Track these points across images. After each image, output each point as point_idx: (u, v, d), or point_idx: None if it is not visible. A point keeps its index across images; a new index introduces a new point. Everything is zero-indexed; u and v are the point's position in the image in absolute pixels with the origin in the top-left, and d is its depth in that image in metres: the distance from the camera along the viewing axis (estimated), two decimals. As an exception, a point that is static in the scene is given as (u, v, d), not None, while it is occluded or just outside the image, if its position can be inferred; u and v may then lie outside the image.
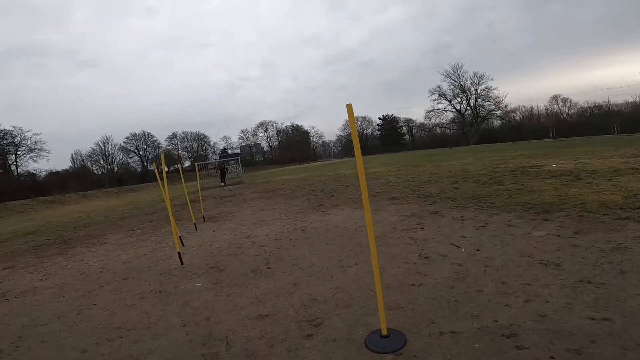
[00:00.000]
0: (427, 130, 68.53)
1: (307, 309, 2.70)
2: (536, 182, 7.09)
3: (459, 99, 63.99)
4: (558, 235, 3.62)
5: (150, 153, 60.57)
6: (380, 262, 3.57)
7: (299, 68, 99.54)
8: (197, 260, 4.63)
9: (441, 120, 65.70)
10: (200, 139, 63.19)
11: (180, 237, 5.57)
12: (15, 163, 48.03)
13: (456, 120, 64.96)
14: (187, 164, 57.66)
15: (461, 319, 2.22)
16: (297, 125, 71.43)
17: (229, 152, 57.57)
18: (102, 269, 4.90)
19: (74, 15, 78.82)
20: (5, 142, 46.47)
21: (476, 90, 60.75)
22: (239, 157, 26.55)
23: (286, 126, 70.64)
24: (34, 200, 32.14)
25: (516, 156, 14.47)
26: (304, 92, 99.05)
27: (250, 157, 63.49)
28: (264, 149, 69.44)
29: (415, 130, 71.42)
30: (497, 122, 60.40)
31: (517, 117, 57.22)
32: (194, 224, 7.16)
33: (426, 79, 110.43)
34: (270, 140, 70.55)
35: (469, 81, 60.96)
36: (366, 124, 72.15)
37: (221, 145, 64.86)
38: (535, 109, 55.53)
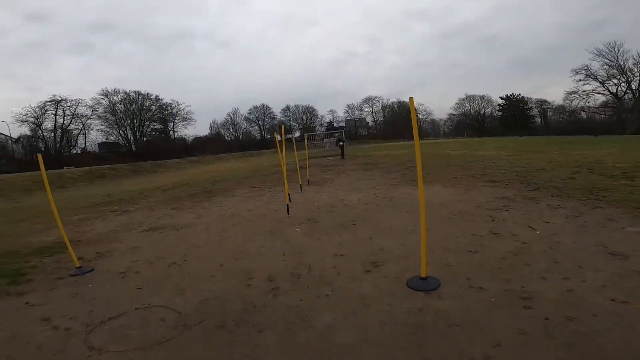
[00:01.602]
0: (567, 114, 56.85)
1: (373, 255, 3.43)
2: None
3: (615, 81, 50.74)
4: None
5: (267, 123, 68.29)
6: (451, 232, 3.98)
7: (407, 43, 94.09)
8: (299, 213, 5.81)
9: (587, 104, 53.49)
10: (309, 112, 67.51)
11: (289, 194, 6.88)
12: (172, 129, 60.97)
13: (609, 105, 52.06)
14: (297, 134, 62.72)
15: (494, 281, 2.60)
16: (403, 101, 68.79)
17: (335, 125, 60.01)
18: (233, 214, 6.58)
19: (210, 1, 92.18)
20: (166, 112, 59.23)
21: None
22: (342, 131, 27.79)
23: (392, 102, 68.79)
24: (185, 159, 40.63)
25: None
26: (413, 68, 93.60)
27: (354, 131, 64.70)
28: (369, 123, 69.56)
29: (550, 113, 60.24)
30: None
31: None
32: (300, 185, 8.53)
33: (567, 59, 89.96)
34: (375, 115, 70.11)
35: (631, 61, 47.53)
36: (484, 103, 64.38)
37: (328, 118, 67.95)
38: None
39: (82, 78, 72.00)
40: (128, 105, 54.21)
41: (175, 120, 61.07)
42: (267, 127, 67.77)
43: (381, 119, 69.75)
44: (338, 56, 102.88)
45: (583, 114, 54.28)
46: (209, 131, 67.93)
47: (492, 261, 2.99)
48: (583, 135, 36.70)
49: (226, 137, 67.60)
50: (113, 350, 2.20)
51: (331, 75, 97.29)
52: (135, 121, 55.26)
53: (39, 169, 3.99)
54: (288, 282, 3.06)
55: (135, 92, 55.12)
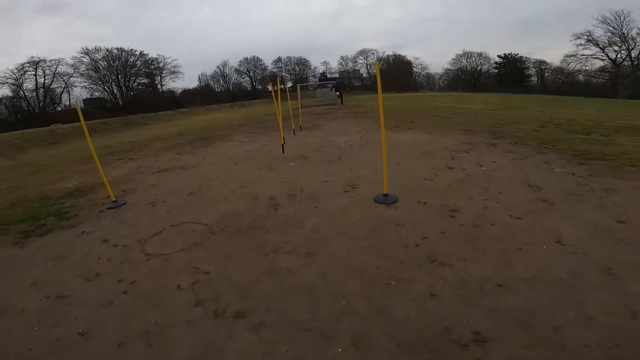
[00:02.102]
0: (565, 75, 57.35)
1: (351, 180, 4.40)
2: (625, 139, 6.72)
3: (615, 48, 51.58)
4: (572, 174, 4.25)
5: (258, 75, 66.80)
6: (415, 166, 4.92)
7: None
8: (293, 152, 6.67)
9: (584, 67, 54.35)
10: (302, 63, 65.83)
11: (283, 137, 7.66)
12: (160, 83, 59.25)
13: (606, 70, 53.19)
14: (289, 85, 61.59)
15: (435, 199, 3.59)
16: (399, 55, 67.20)
17: (328, 76, 58.74)
18: (234, 155, 7.39)
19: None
20: (153, 67, 57.19)
21: None
22: (335, 81, 27.69)
23: (387, 55, 67.15)
24: (175, 111, 40.07)
25: None
26: (414, 23, 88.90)
27: (348, 82, 63.59)
28: (363, 75, 68.21)
29: (548, 74, 60.49)
30: None
31: None
32: (293, 130, 9.29)
33: (573, 23, 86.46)
34: (370, 67, 68.49)
35: (635, 31, 48.05)
36: (482, 60, 63.92)
37: (321, 69, 66.36)
38: None
39: (59, 38, 67.35)
40: (111, 62, 52.23)
41: (163, 74, 59.47)
42: (258, 78, 66.28)
43: (375, 71, 68.29)
44: (335, 8, 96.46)
45: (581, 77, 54.92)
46: (198, 83, 66.18)
47: (439, 186, 3.96)
48: (575, 97, 37.24)
49: (216, 89, 66.07)
50: (165, 253, 3.11)
51: (326, 28, 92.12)
52: (120, 77, 53.58)
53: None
54: (285, 200, 4.02)
55: (118, 48, 52.88)
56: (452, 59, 64.44)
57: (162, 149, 10.33)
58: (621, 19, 48.12)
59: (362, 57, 66.84)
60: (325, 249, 2.81)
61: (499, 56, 61.96)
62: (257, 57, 65.27)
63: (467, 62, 65.01)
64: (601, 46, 50.72)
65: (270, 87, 65.20)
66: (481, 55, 63.49)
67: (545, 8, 75.87)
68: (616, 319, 1.78)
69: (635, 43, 48.55)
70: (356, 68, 68.42)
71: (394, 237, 2.90)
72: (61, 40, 67.72)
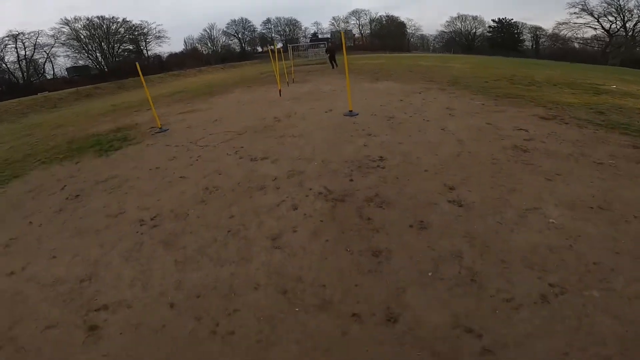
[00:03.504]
0: (558, 42, 58.02)
1: (329, 108, 6.35)
2: (551, 89, 8.53)
3: (610, 18, 51.96)
4: (483, 104, 6.18)
5: (247, 36, 65.77)
6: (378, 100, 6.79)
7: None
8: (287, 96, 8.50)
9: (576, 35, 55.00)
10: (292, 23, 64.62)
11: (280, 86, 9.36)
12: (145, 48, 58.04)
13: (598, 39, 53.88)
14: (279, 45, 60.90)
15: (382, 113, 5.55)
16: (392, 16, 66.09)
17: (319, 36, 58.18)
18: (239, 100, 9.11)
19: None
20: (137, 33, 55.79)
21: None
22: (327, 42, 28.42)
23: (380, 16, 66.04)
24: (166, 74, 40.13)
25: (603, 76, 14.09)
26: None
27: (339, 42, 62.87)
28: (355, 36, 67.26)
29: (543, 40, 60.94)
30: None
31: None
32: (287, 82, 10.95)
33: None
34: (362, 28, 67.49)
35: (633, 3, 48.34)
36: (476, 23, 63.72)
37: (312, 30, 65.23)
38: None
39: (27, 11, 63.04)
40: (92, 30, 50.78)
41: (148, 40, 58.12)
42: (247, 39, 65.18)
43: (368, 32, 67.46)
44: None
45: (576, 45, 55.64)
46: (184, 47, 64.78)
47: (388, 108, 5.92)
48: (562, 62, 38.34)
49: (204, 52, 64.86)
50: (211, 145, 4.99)
51: None
52: (103, 44, 52.31)
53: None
54: (284, 118, 5.97)
55: (98, 17, 51.08)
56: (447, 21, 63.81)
57: (170, 102, 11.83)
58: None
59: (354, 18, 65.63)
60: (310, 134, 4.82)
61: (493, 20, 61.62)
62: (246, 19, 63.68)
63: (461, 24, 64.44)
64: (595, 16, 51.22)
65: (260, 49, 64.57)
66: (476, 19, 62.96)
67: None
68: (448, 157, 3.78)
69: (632, 14, 49.11)
70: (348, 28, 67.21)
71: (351, 127, 4.90)
72: (31, 14, 63.90)
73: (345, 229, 2.55)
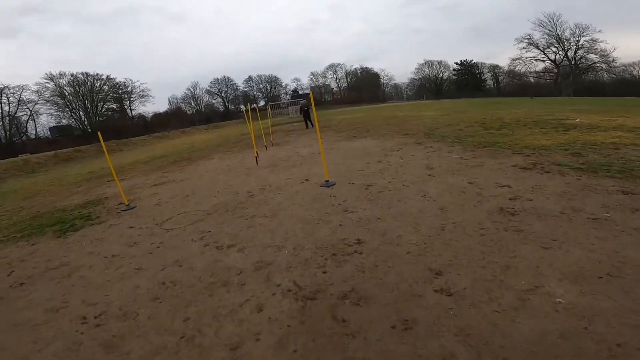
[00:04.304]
0: (516, 78, 63.24)
1: (307, 176, 6.09)
2: (525, 131, 8.76)
3: (553, 49, 57.57)
4: (461, 157, 6.12)
5: (230, 94, 68.53)
6: (356, 163, 6.64)
7: (370, 11, 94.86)
8: (265, 162, 8.29)
9: (528, 69, 60.29)
10: (273, 80, 68.05)
11: (257, 151, 9.24)
12: (129, 107, 59.48)
13: (548, 70, 59.06)
14: (261, 103, 63.34)
15: (361, 181, 5.34)
16: (366, 67, 71.14)
17: (300, 92, 61.21)
18: (216, 169, 8.89)
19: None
20: (121, 91, 57.49)
21: (577, 41, 54.29)
22: (308, 96, 29.61)
23: (355, 68, 70.83)
24: (150, 136, 40.68)
25: (563, 109, 14.88)
26: (376, 35, 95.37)
27: (319, 97, 66.06)
28: (333, 89, 71.14)
29: (502, 77, 66.20)
30: (607, 76, 53.69)
31: (635, 72, 49.69)
32: (265, 146, 10.90)
33: (520, 27, 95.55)
34: (339, 81, 71.78)
35: (568, 32, 54.12)
36: (442, 68, 68.94)
37: (292, 86, 68.81)
38: None
39: (18, 63, 66.04)
40: (77, 87, 52.15)
41: (132, 98, 59.70)
42: (230, 98, 67.92)
43: (345, 84, 71.65)
44: (301, 24, 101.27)
45: (531, 79, 60.38)
46: (169, 106, 66.89)
47: (367, 173, 5.73)
48: (522, 97, 41.20)
49: (188, 111, 66.91)
50: (178, 227, 4.60)
51: (295, 44, 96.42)
52: (87, 102, 53.38)
53: None
54: (258, 192, 5.64)
55: (83, 73, 52.74)
56: (415, 68, 68.79)
57: (148, 170, 11.59)
58: (554, 20, 53.43)
59: (331, 72, 69.87)
60: (283, 212, 4.46)
61: (456, 63, 66.71)
62: (228, 77, 66.86)
63: (429, 70, 69.44)
64: (541, 48, 56.19)
65: (243, 107, 67.09)
66: (441, 63, 68.10)
67: (491, 15, 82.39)
68: (431, 231, 3.48)
69: (570, 43, 54.09)
70: (326, 83, 71.16)
71: (327, 202, 4.58)
72: (20, 65, 66.27)
73: (316, 336, 2.11)
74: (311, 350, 2.01)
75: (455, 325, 2.05)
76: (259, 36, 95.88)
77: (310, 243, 3.42)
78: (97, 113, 55.46)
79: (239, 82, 68.31)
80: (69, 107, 52.34)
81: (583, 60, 54.89)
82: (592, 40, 52.77)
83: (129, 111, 59.66)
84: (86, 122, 54.11)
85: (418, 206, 4.04)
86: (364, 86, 66.74)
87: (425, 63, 68.64)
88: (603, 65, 52.92)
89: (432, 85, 68.62)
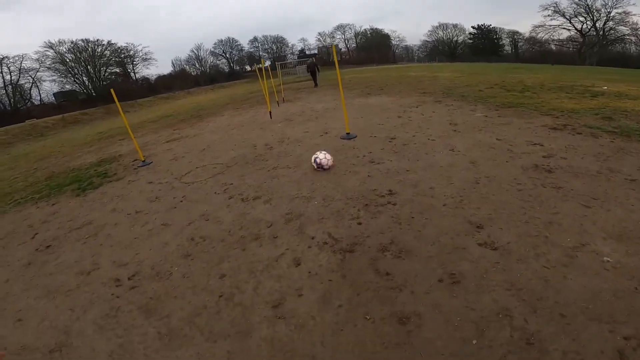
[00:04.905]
0: (536, 45, 60.04)
1: (325, 130, 5.90)
2: (550, 95, 8.30)
3: (581, 19, 54.26)
4: (486, 116, 5.83)
5: (235, 55, 66.42)
6: (374, 118, 6.40)
7: None
8: (279, 117, 8.07)
9: (551, 37, 57.15)
10: (279, 41, 65.47)
11: (270, 107, 8.97)
12: (133, 71, 57.94)
13: (573, 39, 55.95)
14: (267, 63, 61.45)
15: (382, 134, 5.13)
16: (376, 28, 67.60)
17: (307, 52, 58.79)
18: (228, 124, 8.67)
19: None
20: (123, 55, 55.73)
21: (609, 13, 51.00)
22: (313, 57, 28.40)
23: (365, 29, 67.47)
24: (155, 97, 39.86)
25: (591, 77, 14.02)
26: None
27: (327, 58, 63.69)
28: (342, 50, 68.23)
29: (521, 44, 62.96)
30: (634, 49, 50.99)
31: None
32: (277, 102, 10.59)
33: None
34: (348, 42, 68.69)
35: (599, 2, 50.46)
36: (457, 31, 65.50)
37: (299, 46, 66.14)
38: None
39: (12, 35, 63.36)
40: (78, 53, 50.63)
41: (135, 62, 58.15)
42: (235, 59, 65.87)
43: (354, 45, 68.68)
44: None
45: (552, 46, 57.47)
46: (172, 68, 65.14)
47: (387, 127, 5.50)
48: (542, 64, 39.21)
49: (192, 73, 65.15)
50: (198, 181, 4.52)
51: (302, 3, 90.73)
52: (89, 68, 52.09)
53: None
54: (277, 144, 5.50)
55: (83, 39, 51.02)
56: (429, 30, 65.37)
57: (158, 127, 11.42)
58: None
59: (339, 32, 66.78)
60: (306, 163, 4.35)
61: (473, 27, 63.42)
62: (233, 38, 64.45)
63: (443, 33, 66.07)
64: (567, 17, 53.17)
65: (248, 68, 64.95)
66: (456, 27, 64.79)
67: None
68: (465, 184, 3.35)
69: (600, 14, 51.07)
70: (334, 43, 68.33)
71: (351, 153, 4.44)
72: (17, 37, 64.16)
73: (360, 290, 2.07)
74: (357, 305, 1.96)
75: (505, 280, 1.98)
76: None
77: (340, 194, 3.33)
78: (101, 77, 54.44)
79: (244, 43, 65.70)
80: (71, 73, 51.40)
81: (612, 31, 52.29)
82: (624, 12, 50.05)
83: (132, 74, 58.31)
84: (90, 87, 53.35)
85: (447, 160, 3.89)
86: (374, 47, 63.78)
87: (439, 26, 65.39)
88: (632, 38, 50.48)
89: (445, 48, 65.55)
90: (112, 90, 5.82)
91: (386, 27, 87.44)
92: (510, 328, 1.66)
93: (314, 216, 2.98)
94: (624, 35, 50.49)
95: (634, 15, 48.52)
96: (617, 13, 50.14)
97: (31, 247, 3.54)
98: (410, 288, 2.02)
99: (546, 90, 9.14)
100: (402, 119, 6.09)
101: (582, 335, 1.57)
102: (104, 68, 53.90)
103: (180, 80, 57.92)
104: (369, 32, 67.06)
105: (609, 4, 49.50)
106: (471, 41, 65.40)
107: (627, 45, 50.85)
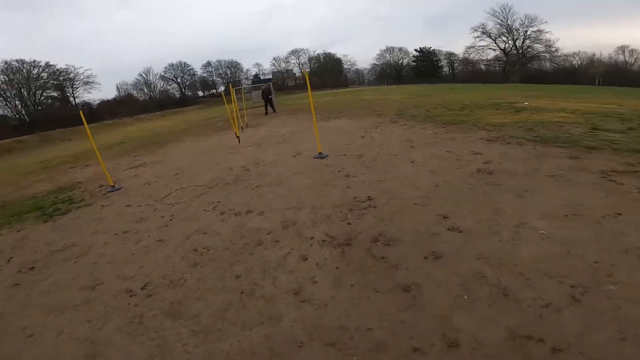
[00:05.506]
0: (469, 65, 66.77)
1: (297, 151, 6.36)
2: (483, 112, 9.72)
3: (504, 38, 61.63)
4: (435, 133, 6.76)
5: (187, 80, 65.11)
6: (340, 139, 7.02)
7: None
8: (247, 142, 8.39)
9: (481, 57, 63.93)
10: (234, 66, 65.73)
11: (237, 132, 9.24)
12: (72, 95, 54.27)
13: (498, 59, 63.16)
14: (221, 88, 61.17)
15: (350, 152, 5.75)
16: (329, 53, 70.95)
17: (261, 77, 59.81)
18: (193, 150, 8.78)
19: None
20: (62, 78, 52.17)
21: (525, 32, 58.49)
22: (270, 82, 29.17)
23: (318, 54, 70.40)
24: (99, 123, 37.58)
25: (514, 94, 16.40)
26: (342, 21, 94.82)
27: (282, 83, 65.09)
28: (296, 74, 70.32)
29: (457, 64, 69.48)
30: (549, 65, 58.59)
31: (574, 62, 55.05)
32: (241, 127, 10.87)
33: (477, 16, 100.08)
34: (302, 67, 71.04)
35: (517, 22, 58.16)
36: (402, 54, 70.85)
37: (253, 71, 66.90)
38: (598, 56, 52.92)
39: None
40: (11, 75, 46.39)
41: (75, 85, 54.49)
42: (187, 84, 64.46)
43: (308, 70, 71.19)
44: (265, 7, 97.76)
45: (482, 66, 64.17)
46: (117, 93, 62.04)
47: (354, 147, 6.17)
48: (475, 83, 44.01)
49: (140, 98, 62.59)
50: (181, 202, 4.69)
51: (258, 30, 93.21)
52: (23, 90, 47.77)
53: None
54: (253, 166, 5.84)
55: (17, 60, 46.97)
56: (377, 54, 69.73)
57: (113, 155, 11.00)
58: (506, 11, 57.07)
59: (294, 57, 68.89)
60: (287, 180, 4.76)
61: (415, 50, 68.72)
62: (185, 62, 63.39)
63: (390, 56, 70.77)
64: (493, 37, 59.96)
65: (201, 93, 64.08)
66: (401, 50, 69.59)
67: (449, 3, 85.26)
68: (428, 188, 4.00)
69: (518, 33, 58.16)
70: (289, 68, 70.11)
71: (326, 170, 4.96)
72: None
73: (365, 272, 2.50)
74: (366, 282, 2.38)
75: (474, 252, 2.55)
76: (220, 21, 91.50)
77: (326, 203, 3.78)
78: (36, 102, 49.93)
79: (197, 67, 64.87)
80: (2, 96, 46.45)
81: (529, 49, 59.18)
82: (538, 30, 56.81)
83: (72, 99, 54.37)
84: (24, 112, 48.52)
85: (410, 170, 4.56)
86: (327, 72, 66.64)
87: (386, 49, 69.85)
88: (547, 55, 57.67)
89: (392, 71, 70.21)
90: (81, 112, 5.80)
91: (339, 51, 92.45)
92: (489, 286, 2.18)
93: (307, 222, 3.38)
94: (539, 52, 57.80)
95: (547, 32, 55.64)
96: (533, 31, 57.07)
97: (12, 270, 3.51)
98: (405, 266, 2.51)
99: (480, 107, 10.64)
100: (365, 139, 6.80)
101: (540, 287, 2.12)
102: (40, 91, 49.64)
103: (126, 105, 55.18)
104: (322, 57, 69.94)
105: (526, 23, 56.60)
106: (415, 63, 70.61)
107: (543, 62, 58.23)
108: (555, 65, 56.54)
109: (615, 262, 2.25)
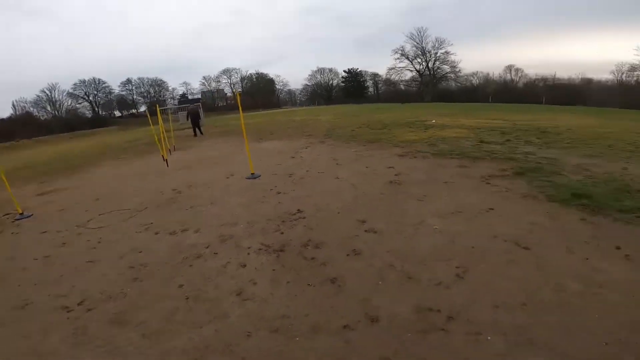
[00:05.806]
0: (391, 86, 72.76)
1: (229, 173, 6.55)
2: (399, 130, 11.11)
3: (419, 60, 68.70)
4: (356, 151, 7.62)
5: (101, 99, 59.02)
6: (272, 159, 7.41)
7: (271, 17, 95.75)
8: (176, 165, 8.23)
9: (401, 78, 70.32)
10: (158, 84, 61.49)
11: (164, 155, 8.97)
12: None
13: (414, 80, 69.99)
14: (142, 108, 57.01)
15: (282, 171, 6.19)
16: (262, 73, 71.02)
17: (189, 97, 57.26)
18: (115, 175, 8.28)
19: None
20: None
21: (436, 53, 66.04)
22: (199, 102, 28.32)
23: (250, 74, 70.03)
24: (-11, 145, 31.93)
25: (425, 113, 18.87)
26: (275, 42, 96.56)
27: (212, 103, 63.24)
28: (227, 94, 68.94)
29: (380, 85, 75.06)
30: (454, 84, 66.50)
31: (473, 81, 63.49)
32: (169, 150, 10.51)
33: (400, 39, 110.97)
34: (234, 86, 69.91)
35: (430, 44, 65.55)
36: (332, 75, 74.21)
37: (180, 90, 63.69)
38: (491, 75, 61.97)
39: None
40: None
41: None
42: (101, 102, 58.34)
43: (240, 90, 70.30)
44: (194, 26, 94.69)
45: (402, 86, 70.27)
46: (13, 111, 53.69)
47: (285, 166, 6.63)
48: (395, 103, 48.42)
49: (42, 117, 54.99)
50: (109, 225, 4.51)
51: (188, 48, 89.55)
52: None
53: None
54: (185, 188, 5.86)
55: None
56: (309, 75, 72.08)
57: (15, 180, 9.65)
58: (421, 34, 64.10)
59: (225, 76, 67.42)
60: (221, 200, 4.96)
61: (344, 71, 72.58)
62: (99, 79, 57.44)
63: (321, 77, 73.48)
64: (410, 59, 66.53)
65: (119, 113, 58.71)
66: (331, 71, 72.58)
67: (378, 26, 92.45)
68: (350, 199, 4.59)
69: (430, 55, 65.45)
70: (220, 87, 68.34)
71: (259, 188, 5.30)
72: None
73: (298, 271, 2.89)
74: (299, 278, 2.78)
75: (385, 248, 3.14)
76: (145, 38, 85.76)
77: (259, 217, 4.09)
78: None
79: (114, 85, 59.22)
80: None
81: (439, 70, 66.57)
82: (446, 52, 64.55)
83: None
84: None
85: (335, 185, 5.15)
86: (259, 92, 66.69)
87: (317, 70, 72.23)
88: (452, 75, 65.54)
89: (323, 92, 72.99)
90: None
91: (272, 71, 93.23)
92: (397, 272, 2.74)
93: (244, 235, 3.66)
94: (447, 73, 65.48)
95: (452, 54, 63.44)
96: (441, 53, 64.78)
97: None
98: (331, 263, 2.97)
99: (397, 126, 12.12)
100: (295, 159, 7.31)
101: (433, 269, 2.74)
102: None
103: (24, 125, 47.86)
104: (254, 77, 69.63)
105: (436, 45, 64.00)
106: (343, 84, 74.27)
107: (450, 82, 66.01)
108: (459, 84, 64.51)
109: (488, 246, 3.02)
